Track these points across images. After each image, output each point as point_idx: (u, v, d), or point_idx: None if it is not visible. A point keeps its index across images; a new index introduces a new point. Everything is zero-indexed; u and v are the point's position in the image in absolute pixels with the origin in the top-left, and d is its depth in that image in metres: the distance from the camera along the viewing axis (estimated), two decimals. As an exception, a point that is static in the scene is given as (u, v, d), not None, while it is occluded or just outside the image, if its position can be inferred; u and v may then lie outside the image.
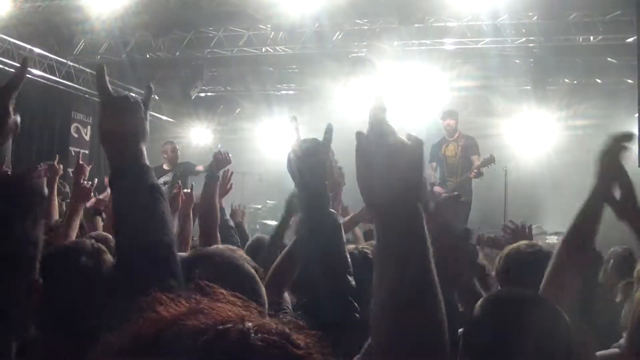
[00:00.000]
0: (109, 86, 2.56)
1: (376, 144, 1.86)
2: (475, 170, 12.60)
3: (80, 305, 2.75)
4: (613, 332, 3.88)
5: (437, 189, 12.87)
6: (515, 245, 4.47)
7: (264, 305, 2.51)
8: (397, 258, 1.74)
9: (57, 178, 6.68)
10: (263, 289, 2.78)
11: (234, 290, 1.35)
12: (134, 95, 2.61)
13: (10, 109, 2.27)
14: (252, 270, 2.80)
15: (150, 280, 2.16)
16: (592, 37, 14.84)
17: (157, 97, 20.08)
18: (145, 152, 2.43)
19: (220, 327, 1.19)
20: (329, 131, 3.20)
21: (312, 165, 3.12)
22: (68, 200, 7.12)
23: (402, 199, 1.77)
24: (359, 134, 1.88)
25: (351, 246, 4.16)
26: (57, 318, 2.66)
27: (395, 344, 1.70)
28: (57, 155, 7.05)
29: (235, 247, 4.09)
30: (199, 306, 1.25)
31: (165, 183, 11.70)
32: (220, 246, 3.26)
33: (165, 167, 13.14)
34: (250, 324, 1.21)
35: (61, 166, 6.79)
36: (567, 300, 3.06)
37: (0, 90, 2.28)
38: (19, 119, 2.31)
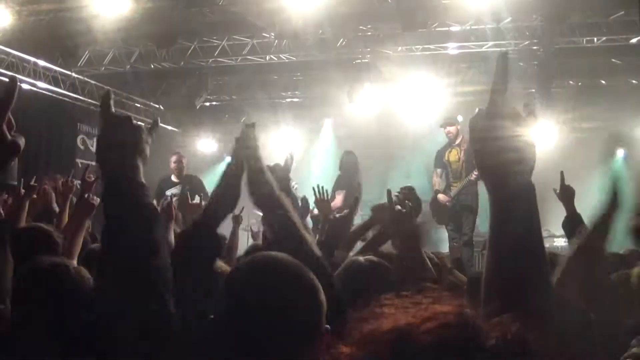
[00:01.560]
0: (113, 109, 2.54)
1: (496, 117, 1.94)
2: (475, 173, 12.50)
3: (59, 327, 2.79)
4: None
5: (441, 197, 12.84)
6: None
7: None
8: (511, 233, 1.84)
9: (71, 195, 6.64)
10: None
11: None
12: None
13: (5, 130, 2.14)
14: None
15: (132, 302, 2.16)
16: (595, 39, 14.81)
17: (162, 107, 20.14)
18: (141, 170, 2.41)
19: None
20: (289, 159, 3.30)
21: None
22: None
23: (520, 171, 1.89)
24: (474, 116, 1.95)
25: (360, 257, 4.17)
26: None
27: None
28: (72, 171, 7.01)
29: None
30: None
31: (173, 195, 11.64)
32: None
33: (173, 178, 13.12)
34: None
35: (76, 182, 6.77)
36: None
37: None
38: (22, 140, 2.19)
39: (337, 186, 12.50)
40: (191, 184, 12.81)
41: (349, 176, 12.61)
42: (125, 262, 2.23)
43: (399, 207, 4.49)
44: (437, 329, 1.23)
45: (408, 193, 6.37)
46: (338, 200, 11.96)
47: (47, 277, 3.12)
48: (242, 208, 7.01)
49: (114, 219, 2.31)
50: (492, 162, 1.90)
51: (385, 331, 1.25)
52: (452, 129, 13.18)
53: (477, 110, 1.98)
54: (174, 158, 13.29)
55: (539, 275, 1.80)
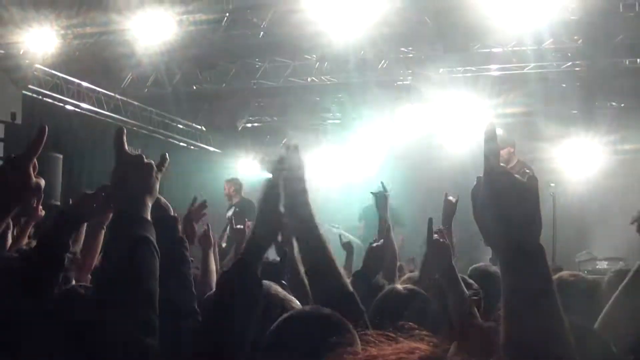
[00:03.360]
0: (126, 147, 2.68)
1: (493, 188, 1.88)
2: None
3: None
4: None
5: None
6: None
7: None
8: (524, 299, 1.78)
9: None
10: None
11: None
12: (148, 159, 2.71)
13: (32, 172, 2.43)
14: None
15: (121, 332, 2.22)
16: (638, 60, 14.70)
17: (204, 128, 20.29)
18: (149, 207, 2.54)
19: None
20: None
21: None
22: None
23: (524, 239, 1.82)
24: (474, 186, 1.91)
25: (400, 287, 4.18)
26: None
27: None
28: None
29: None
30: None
31: (228, 218, 11.95)
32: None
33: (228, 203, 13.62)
34: None
35: None
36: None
37: (21, 156, 2.45)
38: (42, 182, 2.48)
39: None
40: (241, 207, 13.02)
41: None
42: (114, 285, 2.35)
43: (439, 239, 4.46)
44: None
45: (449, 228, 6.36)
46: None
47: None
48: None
49: (112, 249, 2.48)
50: (494, 233, 1.86)
51: None
52: (503, 152, 12.89)
53: (477, 178, 1.95)
54: (225, 185, 13.77)
55: (557, 341, 1.76)
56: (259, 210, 3.04)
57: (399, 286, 4.27)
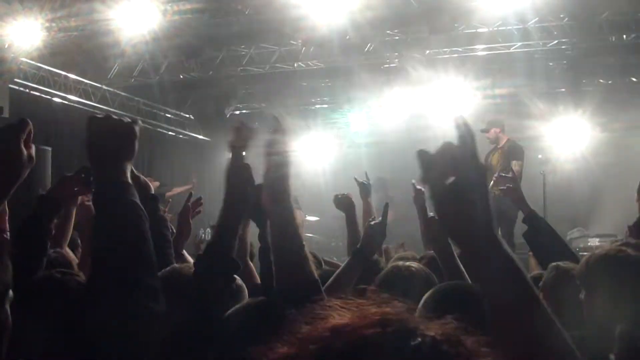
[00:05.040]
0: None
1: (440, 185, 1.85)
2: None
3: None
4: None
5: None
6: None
7: None
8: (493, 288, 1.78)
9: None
10: None
11: None
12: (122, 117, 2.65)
13: (22, 145, 2.30)
14: None
15: (123, 298, 2.19)
16: (624, 36, 14.70)
17: (192, 117, 20.26)
18: (128, 171, 2.49)
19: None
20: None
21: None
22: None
23: (478, 231, 1.79)
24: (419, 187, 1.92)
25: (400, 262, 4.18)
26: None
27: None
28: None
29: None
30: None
31: None
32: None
33: None
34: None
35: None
36: None
37: (10, 127, 2.32)
38: (33, 151, 2.35)
39: None
40: None
41: None
42: (111, 253, 2.31)
43: (432, 214, 4.50)
44: (372, 329, 1.22)
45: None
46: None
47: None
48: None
49: (101, 216, 2.42)
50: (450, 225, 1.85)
51: (322, 330, 1.24)
52: (489, 134, 12.96)
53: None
54: None
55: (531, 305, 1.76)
56: (226, 192, 3.00)
57: (400, 263, 4.28)
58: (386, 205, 5.41)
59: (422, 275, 3.98)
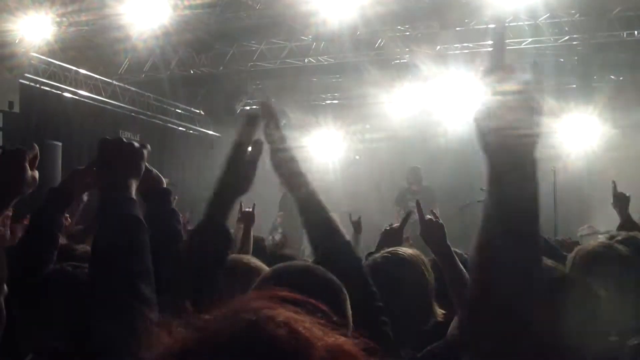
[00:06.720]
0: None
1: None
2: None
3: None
4: None
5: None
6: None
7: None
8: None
9: None
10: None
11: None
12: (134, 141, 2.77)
13: (27, 165, 2.58)
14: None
15: (120, 305, 2.24)
16: (636, 32, 14.65)
17: (202, 112, 20.29)
18: (133, 187, 2.59)
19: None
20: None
21: None
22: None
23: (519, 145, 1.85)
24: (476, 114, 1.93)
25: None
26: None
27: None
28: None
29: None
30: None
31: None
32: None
33: None
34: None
35: None
36: None
37: (15, 151, 2.59)
38: (37, 174, 2.63)
39: None
40: None
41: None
42: (110, 261, 2.37)
43: (429, 217, 4.50)
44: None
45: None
46: None
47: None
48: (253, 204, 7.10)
49: (103, 226, 2.48)
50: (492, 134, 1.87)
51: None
52: None
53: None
54: None
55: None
56: (224, 166, 2.99)
57: (377, 255, 4.25)
58: (407, 214, 5.44)
59: (391, 263, 3.93)
